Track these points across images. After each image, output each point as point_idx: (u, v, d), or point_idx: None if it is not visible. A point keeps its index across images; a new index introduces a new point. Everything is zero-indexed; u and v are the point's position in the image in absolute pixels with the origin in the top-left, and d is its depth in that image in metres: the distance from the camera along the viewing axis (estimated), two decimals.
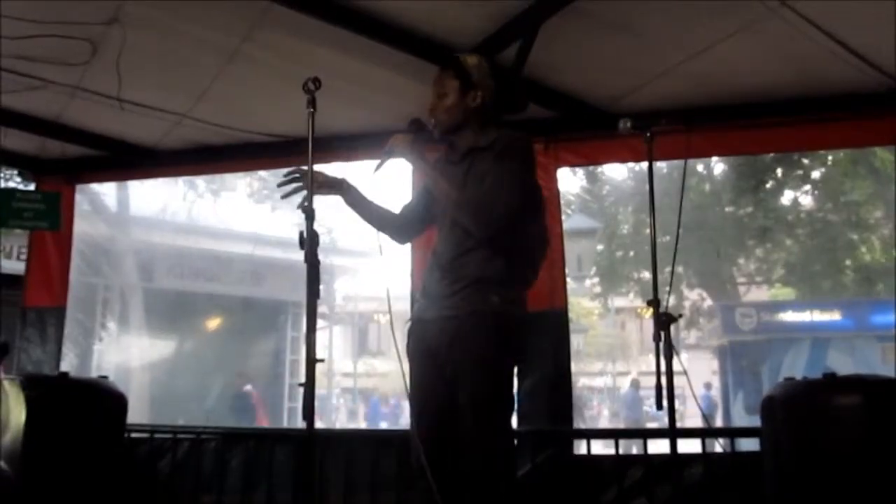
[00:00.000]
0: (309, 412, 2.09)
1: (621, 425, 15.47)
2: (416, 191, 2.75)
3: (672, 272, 3.55)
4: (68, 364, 5.52)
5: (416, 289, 3.95)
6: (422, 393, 2.45)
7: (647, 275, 14.68)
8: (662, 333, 2.63)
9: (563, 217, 4.26)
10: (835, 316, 13.51)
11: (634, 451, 7.52)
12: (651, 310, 2.68)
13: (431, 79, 2.63)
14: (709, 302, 16.72)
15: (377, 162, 2.53)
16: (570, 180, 15.77)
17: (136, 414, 4.51)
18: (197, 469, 4.09)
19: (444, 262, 2.47)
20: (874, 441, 2.69)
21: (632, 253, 16.11)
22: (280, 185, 2.52)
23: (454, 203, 2.41)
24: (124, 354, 9.89)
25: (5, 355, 4.18)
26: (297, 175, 2.51)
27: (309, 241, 2.16)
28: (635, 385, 16.50)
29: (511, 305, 2.41)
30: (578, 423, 14.32)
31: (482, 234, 2.38)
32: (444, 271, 2.46)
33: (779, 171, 13.37)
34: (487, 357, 2.35)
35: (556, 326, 3.78)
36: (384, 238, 2.69)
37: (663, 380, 2.61)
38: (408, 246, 3.73)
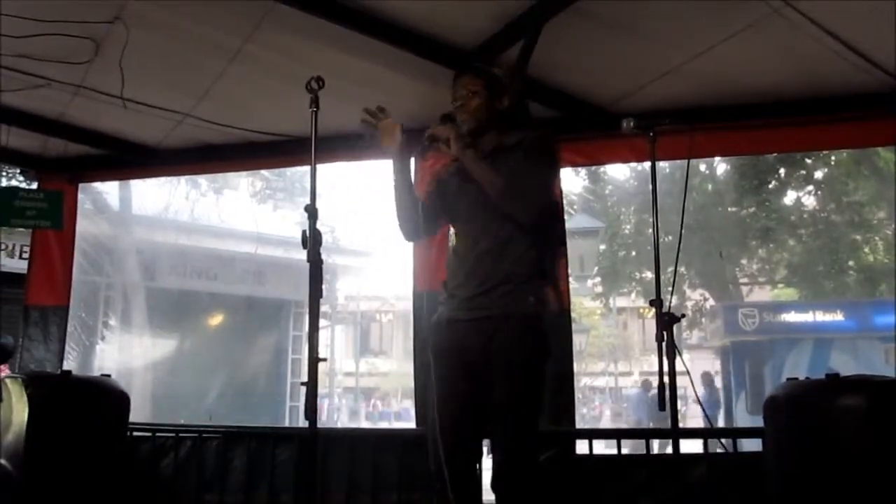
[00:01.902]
0: (311, 411, 2.09)
1: (624, 425, 15.44)
2: (429, 191, 2.72)
3: (675, 272, 3.55)
4: (71, 363, 5.54)
5: (418, 289, 3.96)
6: (445, 393, 2.47)
7: (649, 275, 14.68)
8: (665, 333, 2.63)
9: (566, 217, 4.26)
10: (837, 317, 13.48)
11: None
12: (653, 310, 2.68)
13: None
14: (711, 302, 16.69)
15: (420, 148, 2.57)
16: (572, 180, 15.76)
17: (139, 413, 4.51)
18: (199, 468, 4.09)
19: (474, 259, 2.47)
20: (877, 441, 2.69)
21: (634, 253, 16.11)
22: (365, 109, 2.53)
23: (499, 189, 2.40)
24: (127, 353, 9.90)
25: (9, 357, 4.19)
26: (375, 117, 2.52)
27: (312, 241, 2.16)
28: (646, 386, 16.30)
29: (541, 305, 2.45)
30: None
31: (528, 219, 2.41)
32: (474, 268, 2.46)
33: (782, 172, 13.36)
34: (525, 360, 2.39)
35: (558, 327, 3.77)
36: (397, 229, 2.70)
37: (666, 380, 2.62)
38: (409, 246, 3.73)
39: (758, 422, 3.33)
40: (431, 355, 2.56)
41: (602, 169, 14.47)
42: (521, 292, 2.41)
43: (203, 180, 11.26)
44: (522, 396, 2.39)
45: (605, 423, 22.52)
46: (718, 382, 14.90)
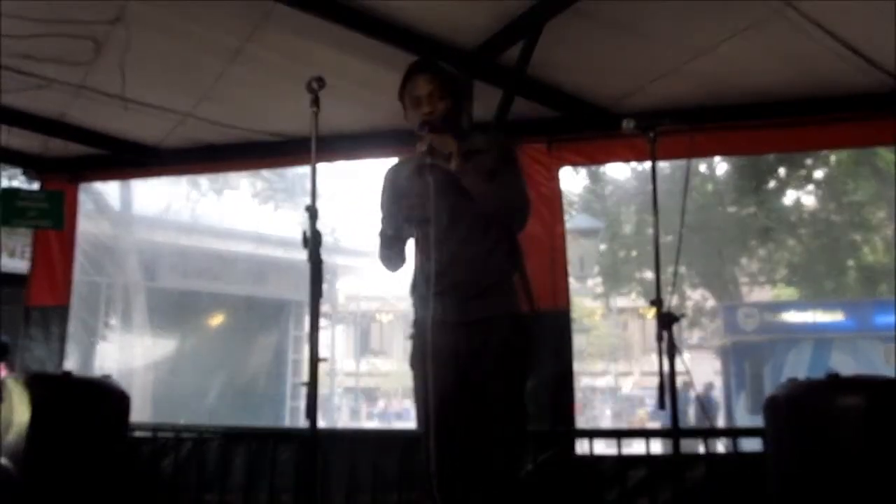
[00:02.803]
0: (312, 411, 2.09)
1: (624, 426, 15.43)
2: (394, 210, 2.52)
3: (675, 272, 3.56)
4: (71, 363, 5.53)
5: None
6: (438, 396, 2.39)
7: (649, 275, 14.68)
8: (665, 333, 2.63)
9: (566, 217, 4.25)
10: (837, 316, 13.49)
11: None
12: (654, 310, 2.69)
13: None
14: (711, 302, 16.72)
15: (424, 163, 2.40)
16: (572, 180, 15.77)
17: (139, 413, 4.52)
18: (199, 468, 4.09)
19: (465, 262, 2.43)
20: (877, 442, 2.69)
21: (634, 253, 16.12)
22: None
23: (501, 204, 2.40)
24: (127, 353, 9.90)
25: (5, 356, 4.19)
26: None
27: (312, 241, 2.15)
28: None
29: (519, 305, 2.48)
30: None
31: (522, 227, 2.47)
32: (465, 271, 2.42)
33: (782, 171, 13.36)
34: (519, 360, 2.42)
35: (558, 327, 3.78)
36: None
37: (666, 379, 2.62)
38: (408, 246, 3.73)
39: (757, 422, 3.33)
40: (417, 357, 2.47)
41: (602, 169, 14.49)
42: (508, 294, 2.43)
43: (204, 180, 11.27)
44: (518, 396, 2.40)
45: (606, 423, 22.55)
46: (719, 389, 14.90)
